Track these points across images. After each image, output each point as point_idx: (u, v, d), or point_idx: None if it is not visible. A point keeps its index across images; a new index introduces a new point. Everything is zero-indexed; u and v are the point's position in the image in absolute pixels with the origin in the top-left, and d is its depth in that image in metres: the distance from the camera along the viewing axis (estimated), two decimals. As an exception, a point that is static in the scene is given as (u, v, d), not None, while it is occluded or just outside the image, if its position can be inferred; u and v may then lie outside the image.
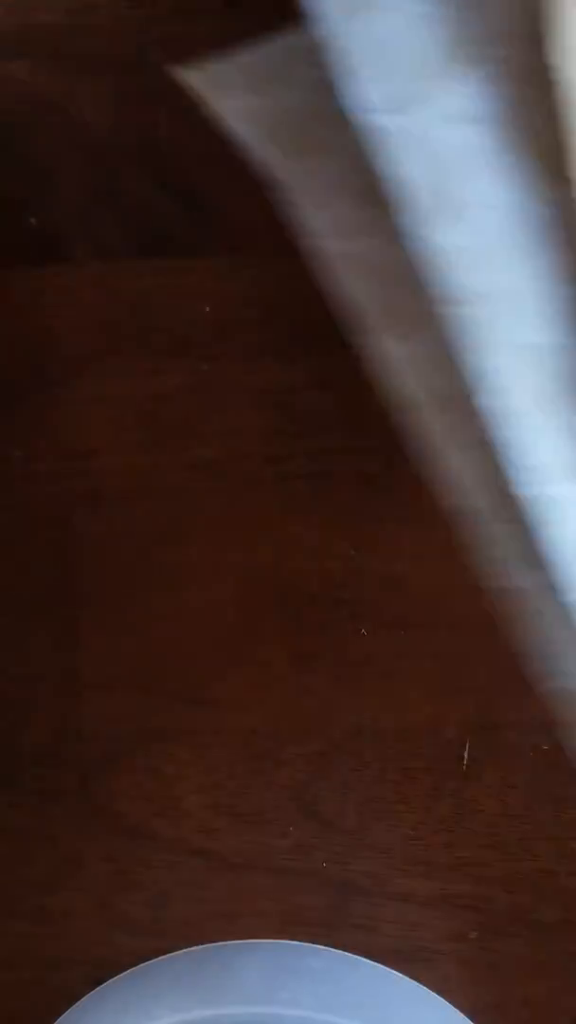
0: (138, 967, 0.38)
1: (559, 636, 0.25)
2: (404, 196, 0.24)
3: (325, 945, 0.37)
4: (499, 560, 0.25)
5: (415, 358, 0.25)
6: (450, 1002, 0.37)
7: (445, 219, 0.24)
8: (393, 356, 0.25)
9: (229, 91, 0.27)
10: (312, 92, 0.26)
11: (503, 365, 0.24)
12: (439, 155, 0.24)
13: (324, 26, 0.24)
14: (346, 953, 0.37)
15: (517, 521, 0.24)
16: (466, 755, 0.37)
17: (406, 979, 0.37)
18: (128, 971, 0.38)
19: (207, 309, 0.37)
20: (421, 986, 0.37)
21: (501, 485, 0.24)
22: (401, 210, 0.24)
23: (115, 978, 0.38)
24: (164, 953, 0.38)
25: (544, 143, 0.24)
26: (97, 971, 0.38)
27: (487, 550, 0.25)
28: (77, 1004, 0.38)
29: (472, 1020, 0.37)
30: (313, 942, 0.38)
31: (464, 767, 0.37)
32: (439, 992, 0.37)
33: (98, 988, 0.38)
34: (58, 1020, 0.37)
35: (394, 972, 0.37)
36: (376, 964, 0.37)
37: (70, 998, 0.38)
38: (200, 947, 0.38)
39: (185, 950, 0.38)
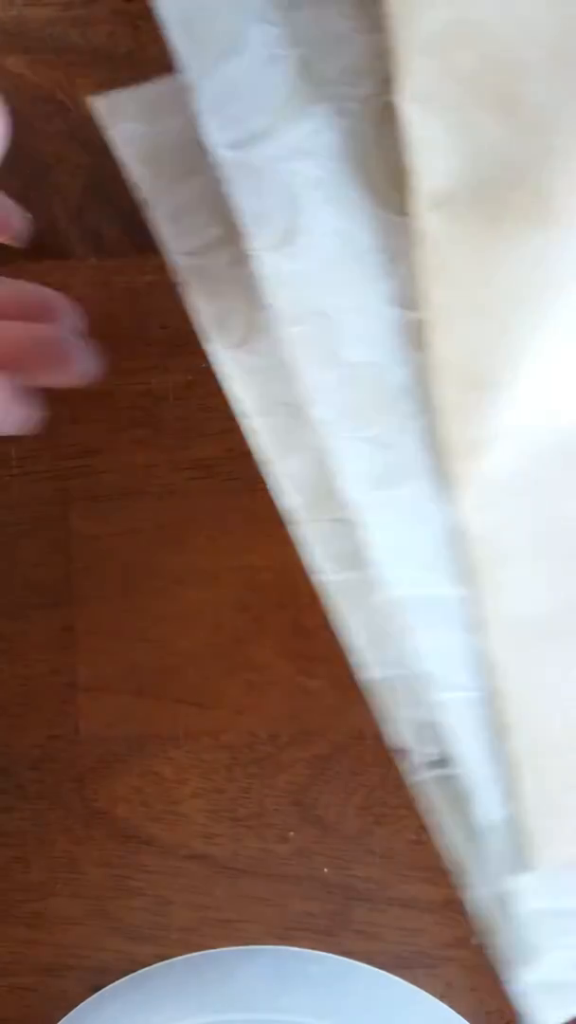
0: (137, 973, 0.38)
1: (372, 631, 0.27)
2: (249, 221, 0.27)
3: (326, 951, 0.37)
4: (321, 556, 0.28)
5: (251, 367, 0.28)
6: (452, 1008, 0.37)
7: (284, 243, 0.27)
8: (232, 364, 0.28)
9: (123, 118, 0.31)
10: (190, 124, 0.29)
11: (329, 380, 0.26)
12: (283, 185, 0.27)
13: (189, 66, 0.28)
14: (347, 959, 0.37)
15: (340, 521, 0.27)
16: (469, 759, 0.36)
17: (408, 985, 0.37)
18: (126, 977, 0.38)
19: (206, 307, 0.36)
20: (423, 992, 0.37)
21: (325, 488, 0.27)
22: (246, 233, 0.27)
23: (113, 984, 0.38)
24: (163, 959, 0.38)
25: (380, 177, 0.27)
26: (95, 977, 0.38)
27: (310, 547, 0.28)
28: (74, 1010, 0.37)
29: (474, 1026, 0.37)
30: (314, 948, 0.37)
31: (467, 771, 0.36)
32: (441, 998, 0.37)
33: (96, 994, 0.38)
34: (55, 1027, 0.37)
35: (396, 978, 0.37)
36: (378, 970, 0.37)
37: (67, 1004, 0.38)
38: (199, 953, 0.38)
39: (184, 956, 0.38)
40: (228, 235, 0.28)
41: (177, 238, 0.29)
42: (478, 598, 0.26)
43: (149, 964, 0.38)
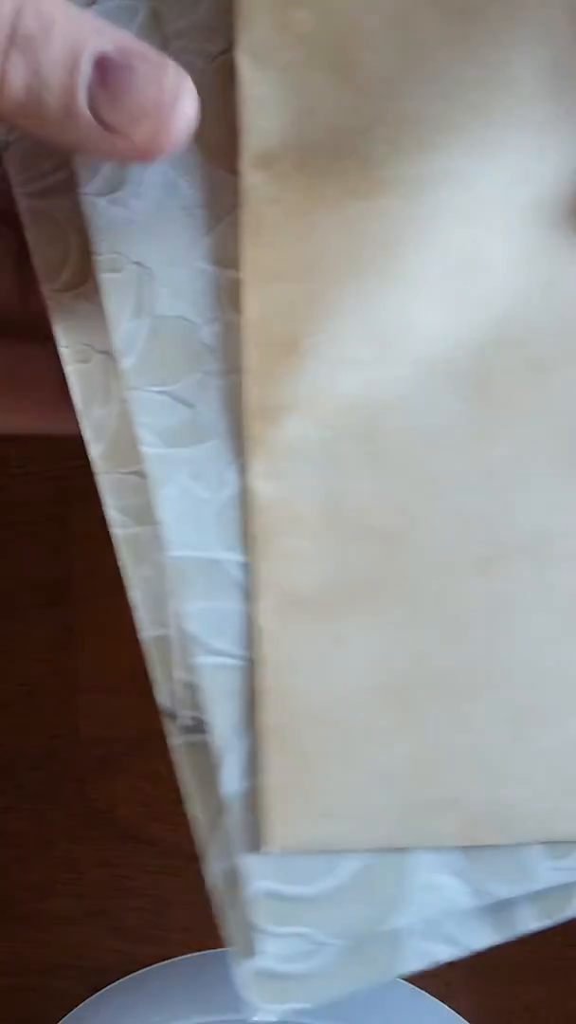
0: (136, 973, 0.38)
1: (152, 589, 0.27)
2: (82, 164, 0.27)
3: (326, 951, 0.37)
4: (115, 509, 0.27)
5: (76, 313, 0.27)
6: (452, 1008, 0.37)
7: (111, 189, 0.26)
8: (59, 309, 0.28)
9: None
10: None
11: (139, 330, 0.26)
12: None
13: None
14: (347, 959, 0.37)
15: (137, 474, 0.27)
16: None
17: (408, 985, 0.37)
18: (126, 977, 0.38)
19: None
20: (423, 992, 0.37)
21: (127, 442, 0.27)
22: (79, 177, 0.27)
23: (113, 984, 0.38)
24: (162, 959, 0.38)
25: (218, 134, 0.26)
26: (95, 977, 0.38)
27: (107, 499, 0.27)
28: (75, 1010, 0.37)
29: (474, 1026, 0.37)
30: (314, 948, 0.37)
31: (467, 771, 0.36)
32: (441, 998, 0.37)
33: (95, 994, 0.38)
34: (55, 1026, 0.37)
35: (396, 978, 0.37)
36: (378, 970, 0.37)
37: (67, 1004, 0.38)
38: (199, 953, 0.38)
39: (184, 956, 0.38)
40: (72, 180, 0.27)
41: (24, 181, 0.28)
42: (255, 566, 0.25)
43: (149, 964, 0.38)
